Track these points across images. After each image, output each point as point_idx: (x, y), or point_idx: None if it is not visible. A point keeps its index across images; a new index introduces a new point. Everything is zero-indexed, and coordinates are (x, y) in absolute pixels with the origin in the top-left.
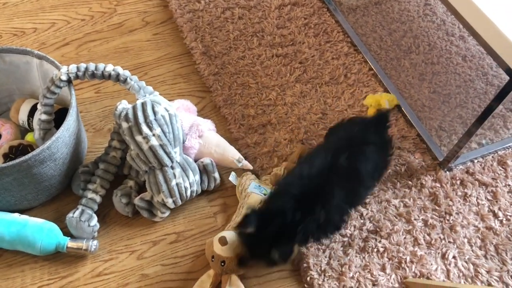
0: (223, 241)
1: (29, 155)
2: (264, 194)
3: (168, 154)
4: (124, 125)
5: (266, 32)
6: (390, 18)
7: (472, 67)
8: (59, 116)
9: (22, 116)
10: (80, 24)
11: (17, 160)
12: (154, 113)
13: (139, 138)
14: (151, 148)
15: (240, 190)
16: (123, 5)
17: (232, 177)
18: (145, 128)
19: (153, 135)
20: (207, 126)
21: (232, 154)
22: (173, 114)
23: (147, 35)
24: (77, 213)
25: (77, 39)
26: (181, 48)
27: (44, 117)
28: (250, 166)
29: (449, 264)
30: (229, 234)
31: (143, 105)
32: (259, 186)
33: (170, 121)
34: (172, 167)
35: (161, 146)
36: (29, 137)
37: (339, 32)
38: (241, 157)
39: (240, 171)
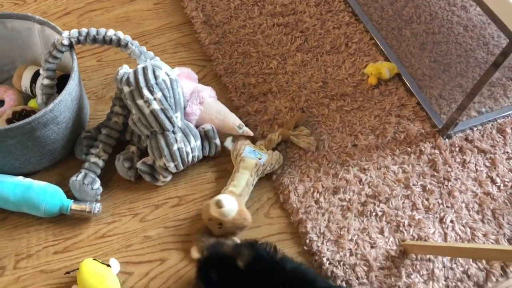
0: (219, 205)
1: (32, 117)
2: (259, 159)
3: (169, 119)
4: (126, 89)
5: (267, 1)
6: None
7: (473, 36)
8: (61, 82)
9: (25, 83)
10: None
11: (21, 122)
12: (155, 77)
13: (140, 102)
14: (152, 112)
15: (235, 154)
16: None
17: (227, 142)
18: (146, 92)
19: (154, 99)
20: (208, 93)
21: (233, 120)
22: (174, 79)
23: (148, 4)
24: (80, 176)
25: (78, 8)
26: (182, 17)
27: (46, 82)
28: (250, 133)
29: (447, 228)
30: (225, 197)
31: (144, 69)
32: (254, 150)
33: (171, 86)
34: (174, 132)
35: (162, 110)
36: (31, 103)
37: (340, 2)
38: (242, 123)
39: (236, 138)
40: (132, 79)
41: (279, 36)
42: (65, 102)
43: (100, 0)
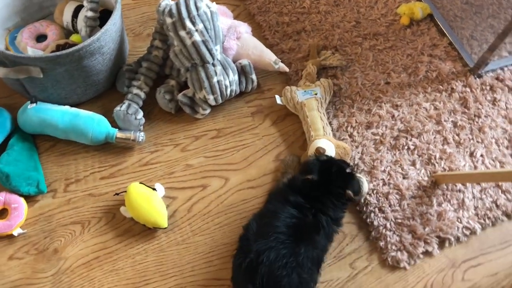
0: (320, 151)
1: (81, 45)
2: (315, 94)
3: (209, 51)
4: (168, 20)
5: None
6: None
7: None
8: (101, 17)
9: (66, 17)
10: None
11: (70, 50)
12: (197, 8)
13: (182, 33)
14: (193, 44)
15: (291, 105)
16: None
17: (277, 99)
18: (188, 23)
19: (196, 30)
20: (245, 28)
21: (269, 56)
22: (215, 11)
23: None
24: (124, 106)
25: None
26: None
27: (90, 14)
28: (286, 69)
29: (477, 162)
30: (321, 142)
31: (186, 0)
32: (305, 91)
33: (212, 18)
34: (214, 65)
35: (203, 42)
36: (73, 38)
37: None
38: (278, 59)
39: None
40: (174, 10)
41: None
42: (110, 33)
43: None
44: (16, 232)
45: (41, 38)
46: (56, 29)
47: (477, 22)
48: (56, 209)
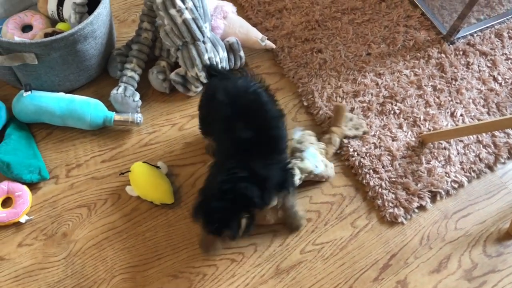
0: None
1: (75, 28)
2: (316, 166)
3: (200, 28)
4: (158, 0)
5: None
6: None
7: None
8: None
9: (51, 6)
10: None
11: (65, 33)
12: None
13: (173, 11)
14: (184, 22)
15: (297, 147)
16: None
17: (296, 133)
18: (178, 1)
19: (186, 8)
20: (230, 8)
21: (255, 34)
22: None
23: None
24: (121, 89)
25: None
26: None
27: (79, 0)
28: (272, 45)
29: (458, 121)
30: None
31: None
32: (315, 155)
33: None
34: (204, 42)
35: (194, 19)
36: (60, 26)
37: None
38: (264, 36)
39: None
40: None
41: None
42: (101, 16)
43: None
44: (23, 219)
45: (26, 28)
46: (41, 18)
47: None
48: (60, 194)
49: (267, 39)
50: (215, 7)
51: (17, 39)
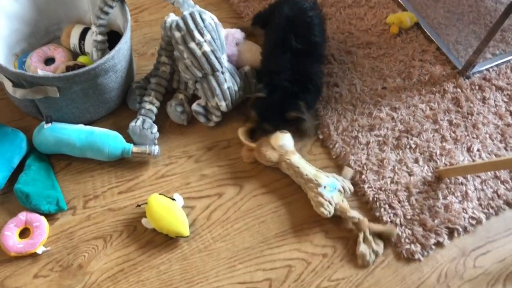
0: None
1: (97, 63)
2: (331, 196)
3: (218, 59)
4: (177, 34)
5: None
6: None
7: None
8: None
9: (74, 40)
10: None
11: (88, 67)
12: (202, 20)
13: (192, 45)
14: (204, 54)
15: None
16: None
17: (347, 173)
18: (197, 35)
19: (205, 41)
20: (240, 35)
21: None
22: (218, 22)
23: None
24: (139, 122)
25: None
26: None
27: (99, 37)
28: None
29: (474, 156)
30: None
31: (192, 14)
32: (337, 192)
33: (216, 28)
34: (222, 72)
35: (212, 51)
36: (81, 59)
37: None
38: None
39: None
40: (182, 24)
41: None
42: (122, 51)
43: None
44: (40, 250)
45: (49, 61)
46: (63, 51)
47: (460, 28)
48: (77, 225)
49: None
50: (226, 35)
51: (40, 72)
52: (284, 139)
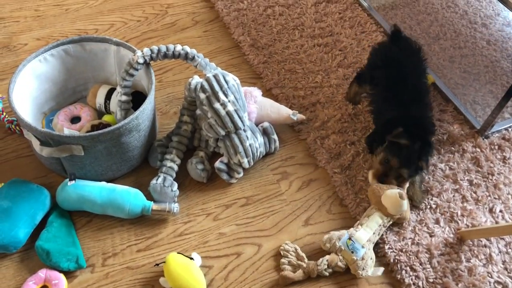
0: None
1: (121, 123)
2: (353, 253)
3: (241, 118)
4: (202, 96)
5: (305, 25)
6: (417, 11)
7: (496, 49)
8: (132, 100)
9: (100, 100)
10: (137, 25)
11: (112, 127)
12: (226, 82)
13: (217, 105)
14: (228, 114)
15: (338, 245)
16: (173, 7)
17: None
18: (222, 96)
19: (229, 101)
20: (258, 92)
21: (286, 110)
22: (239, 83)
23: (198, 32)
24: (160, 180)
25: (135, 37)
26: (230, 42)
27: (124, 98)
28: (303, 117)
29: (497, 217)
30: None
31: (215, 76)
32: (357, 246)
33: (239, 89)
34: (244, 130)
35: (236, 111)
36: (106, 118)
37: (372, 24)
38: (295, 111)
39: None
40: (207, 86)
41: (320, 54)
42: (146, 111)
43: (154, 30)
44: None
45: (75, 119)
46: (89, 110)
47: (477, 88)
48: (95, 283)
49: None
50: (244, 93)
51: (66, 131)
52: (404, 205)
